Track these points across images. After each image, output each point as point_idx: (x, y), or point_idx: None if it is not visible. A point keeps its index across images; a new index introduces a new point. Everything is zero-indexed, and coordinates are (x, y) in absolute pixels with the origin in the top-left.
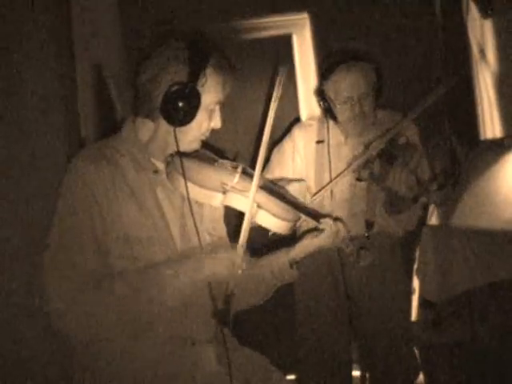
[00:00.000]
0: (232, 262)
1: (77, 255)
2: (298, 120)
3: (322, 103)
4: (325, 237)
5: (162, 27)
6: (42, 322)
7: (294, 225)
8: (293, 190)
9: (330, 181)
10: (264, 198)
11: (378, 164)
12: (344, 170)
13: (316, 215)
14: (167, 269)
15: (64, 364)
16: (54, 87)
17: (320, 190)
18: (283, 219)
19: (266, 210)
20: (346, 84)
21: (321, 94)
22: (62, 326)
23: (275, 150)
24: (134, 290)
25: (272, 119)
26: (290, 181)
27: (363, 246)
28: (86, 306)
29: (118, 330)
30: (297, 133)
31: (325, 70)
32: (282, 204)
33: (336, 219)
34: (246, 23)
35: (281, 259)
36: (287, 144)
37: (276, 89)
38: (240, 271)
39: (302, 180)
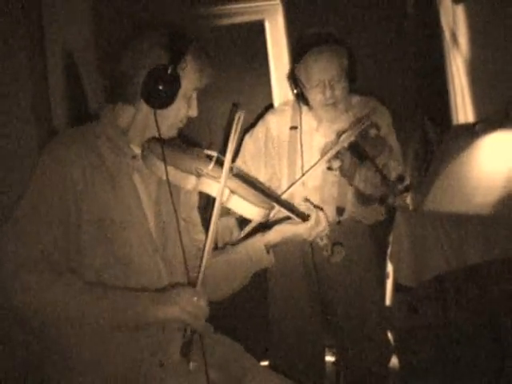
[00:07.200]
0: (195, 312)
1: (40, 233)
2: (271, 106)
3: (294, 88)
4: (306, 225)
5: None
6: None
7: (268, 214)
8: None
9: (302, 175)
10: (237, 184)
11: (348, 157)
12: (314, 165)
13: (293, 209)
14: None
15: None
16: (23, 76)
17: (291, 186)
18: (257, 205)
19: (240, 195)
20: (317, 67)
21: (293, 78)
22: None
23: (247, 137)
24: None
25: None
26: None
27: (337, 241)
28: (38, 288)
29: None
30: (270, 118)
31: (296, 54)
32: (256, 191)
33: (316, 207)
34: (217, 9)
35: (257, 244)
36: (260, 130)
37: (234, 126)
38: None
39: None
